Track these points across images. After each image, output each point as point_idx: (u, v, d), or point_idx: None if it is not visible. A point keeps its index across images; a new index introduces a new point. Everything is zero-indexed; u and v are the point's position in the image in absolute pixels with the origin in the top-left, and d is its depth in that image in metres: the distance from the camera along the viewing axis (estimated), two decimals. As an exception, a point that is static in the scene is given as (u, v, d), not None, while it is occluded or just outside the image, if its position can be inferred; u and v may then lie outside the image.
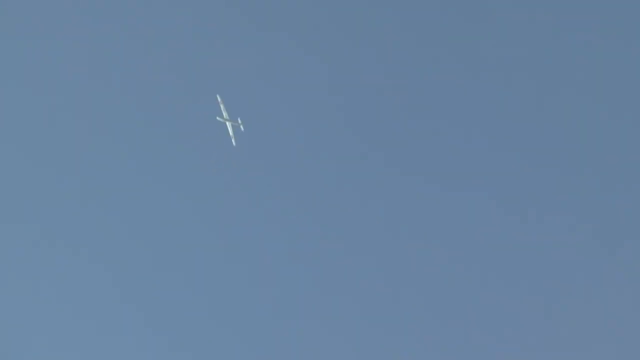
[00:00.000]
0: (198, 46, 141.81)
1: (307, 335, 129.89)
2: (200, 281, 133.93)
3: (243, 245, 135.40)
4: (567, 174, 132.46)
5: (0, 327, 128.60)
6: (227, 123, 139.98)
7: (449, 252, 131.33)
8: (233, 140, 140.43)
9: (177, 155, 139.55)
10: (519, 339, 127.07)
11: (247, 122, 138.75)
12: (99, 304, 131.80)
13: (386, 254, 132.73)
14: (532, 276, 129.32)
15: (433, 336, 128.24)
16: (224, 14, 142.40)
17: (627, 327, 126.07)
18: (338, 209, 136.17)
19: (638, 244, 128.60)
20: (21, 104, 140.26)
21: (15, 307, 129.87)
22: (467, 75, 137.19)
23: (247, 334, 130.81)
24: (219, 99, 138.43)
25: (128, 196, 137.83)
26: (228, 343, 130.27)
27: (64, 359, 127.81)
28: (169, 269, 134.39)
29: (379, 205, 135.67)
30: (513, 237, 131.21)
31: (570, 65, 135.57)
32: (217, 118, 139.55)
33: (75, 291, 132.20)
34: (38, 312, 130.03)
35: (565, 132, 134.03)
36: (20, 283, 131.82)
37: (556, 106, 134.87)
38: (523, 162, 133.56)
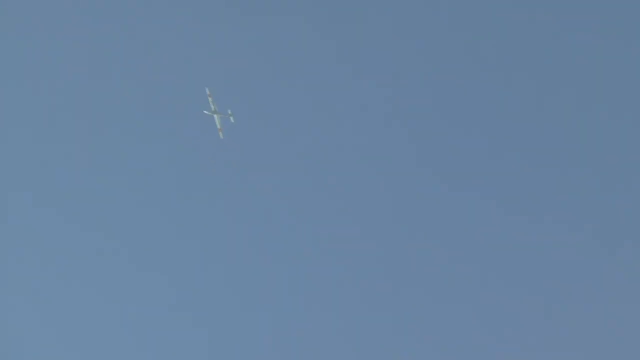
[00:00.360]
0: (187, 39, 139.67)
1: (306, 336, 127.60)
2: (191, 277, 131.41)
3: (241, 244, 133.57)
4: (567, 174, 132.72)
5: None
6: (215, 116, 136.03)
7: (449, 251, 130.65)
8: (220, 134, 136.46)
9: (164, 149, 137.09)
10: (519, 339, 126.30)
11: (234, 115, 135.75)
12: (95, 304, 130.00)
13: (386, 254, 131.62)
14: (532, 276, 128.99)
15: (433, 336, 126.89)
16: (215, 6, 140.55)
17: (627, 327, 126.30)
18: (333, 207, 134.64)
19: (638, 244, 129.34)
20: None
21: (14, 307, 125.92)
22: (468, 75, 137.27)
23: (245, 334, 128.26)
24: (207, 92, 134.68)
25: (116, 192, 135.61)
26: (226, 343, 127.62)
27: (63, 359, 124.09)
28: (161, 265, 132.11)
29: (378, 205, 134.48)
30: (513, 237, 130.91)
31: (570, 65, 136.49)
32: (204, 111, 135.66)
33: (72, 290, 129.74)
34: (38, 312, 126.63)
35: (565, 132, 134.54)
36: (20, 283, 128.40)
37: (556, 106, 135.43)
38: (523, 162, 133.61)
